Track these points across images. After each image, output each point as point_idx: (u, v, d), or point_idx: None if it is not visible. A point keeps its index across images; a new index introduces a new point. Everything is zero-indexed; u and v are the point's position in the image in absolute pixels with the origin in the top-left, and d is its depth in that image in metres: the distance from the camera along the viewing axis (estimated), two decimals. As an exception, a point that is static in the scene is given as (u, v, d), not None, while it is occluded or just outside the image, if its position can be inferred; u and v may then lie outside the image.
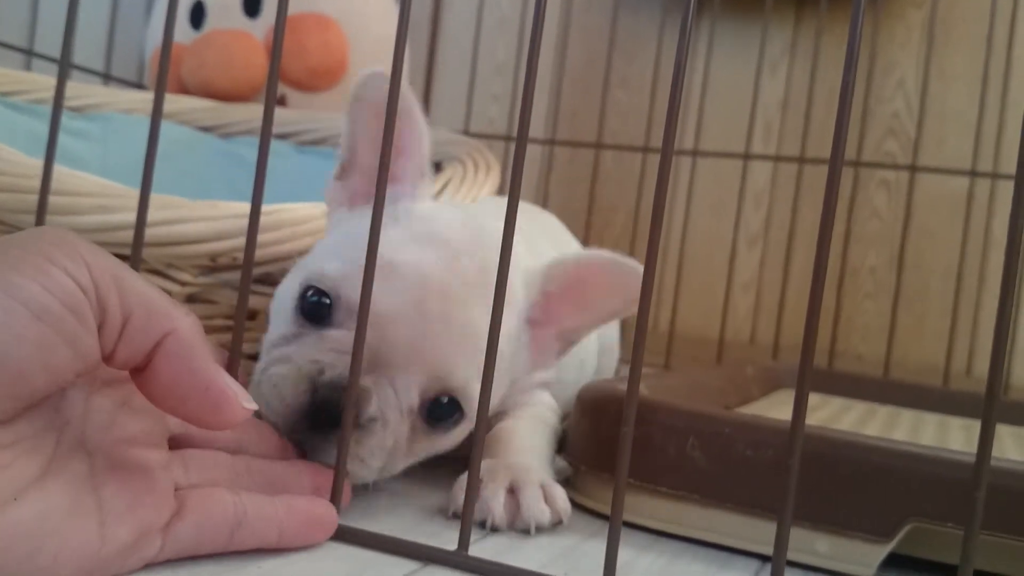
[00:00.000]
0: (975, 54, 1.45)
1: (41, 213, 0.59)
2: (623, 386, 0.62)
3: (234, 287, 0.72)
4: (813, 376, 1.10)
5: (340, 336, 0.50)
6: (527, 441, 0.59)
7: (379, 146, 0.47)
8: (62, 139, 1.09)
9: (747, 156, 1.35)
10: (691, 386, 0.75)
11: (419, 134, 0.57)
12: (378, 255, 0.48)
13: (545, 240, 0.81)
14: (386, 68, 1.21)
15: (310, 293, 0.52)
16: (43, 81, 1.10)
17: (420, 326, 0.49)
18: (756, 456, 0.51)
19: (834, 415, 0.89)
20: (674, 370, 0.85)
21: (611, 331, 0.90)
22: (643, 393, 0.62)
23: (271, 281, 0.74)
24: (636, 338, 0.42)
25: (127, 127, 1.08)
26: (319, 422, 0.48)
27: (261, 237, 0.68)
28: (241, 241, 0.69)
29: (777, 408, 0.87)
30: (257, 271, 0.71)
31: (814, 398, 1.01)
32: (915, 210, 1.34)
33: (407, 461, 0.53)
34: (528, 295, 0.57)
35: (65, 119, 1.08)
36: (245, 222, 0.69)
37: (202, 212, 0.67)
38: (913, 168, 1.30)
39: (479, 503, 0.51)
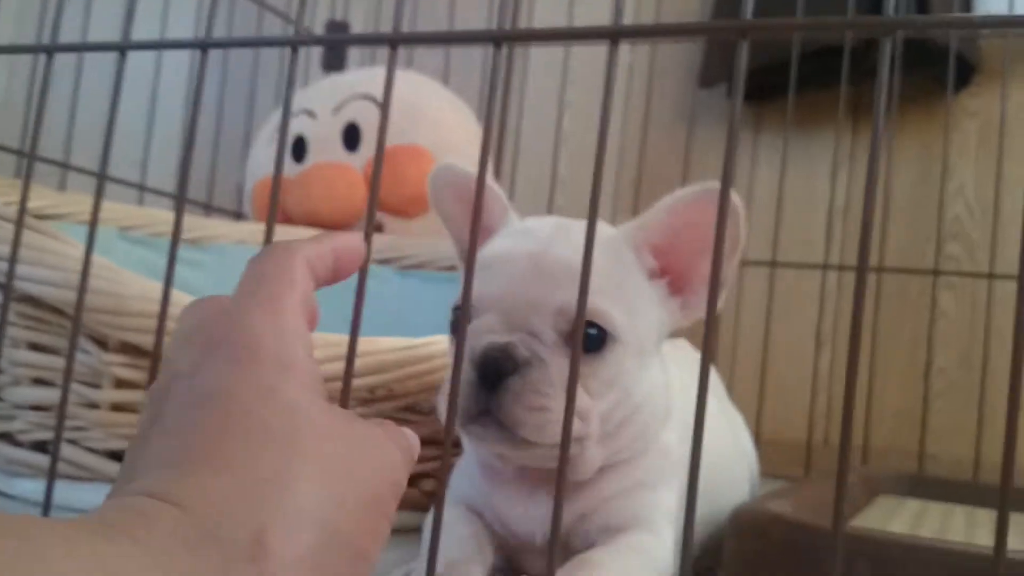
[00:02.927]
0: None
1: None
2: (776, 505, 0.66)
3: (389, 416, 0.76)
4: (906, 482, 1.11)
5: (478, 322, 0.58)
6: None
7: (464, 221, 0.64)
8: (179, 269, 1.15)
9: (825, 267, 1.40)
10: (818, 501, 0.77)
11: (496, 196, 0.65)
12: (490, 255, 0.61)
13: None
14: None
15: (452, 317, 0.62)
16: (157, 215, 1.17)
17: (529, 275, 0.58)
18: (926, 576, 0.54)
19: (943, 523, 0.91)
20: (793, 484, 0.87)
21: (745, 438, 0.91)
22: (793, 514, 0.65)
23: (418, 410, 0.79)
24: (840, 466, 0.45)
25: (239, 258, 1.14)
26: (488, 377, 0.55)
27: (414, 368, 0.72)
28: (396, 374, 0.73)
29: (891, 517, 0.89)
30: (410, 400, 0.75)
31: (913, 504, 1.03)
32: (992, 312, 1.37)
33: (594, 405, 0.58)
34: (628, 245, 0.61)
35: (180, 250, 1.14)
36: (400, 356, 0.74)
37: (362, 348, 0.72)
38: (991, 276, 1.35)
39: None
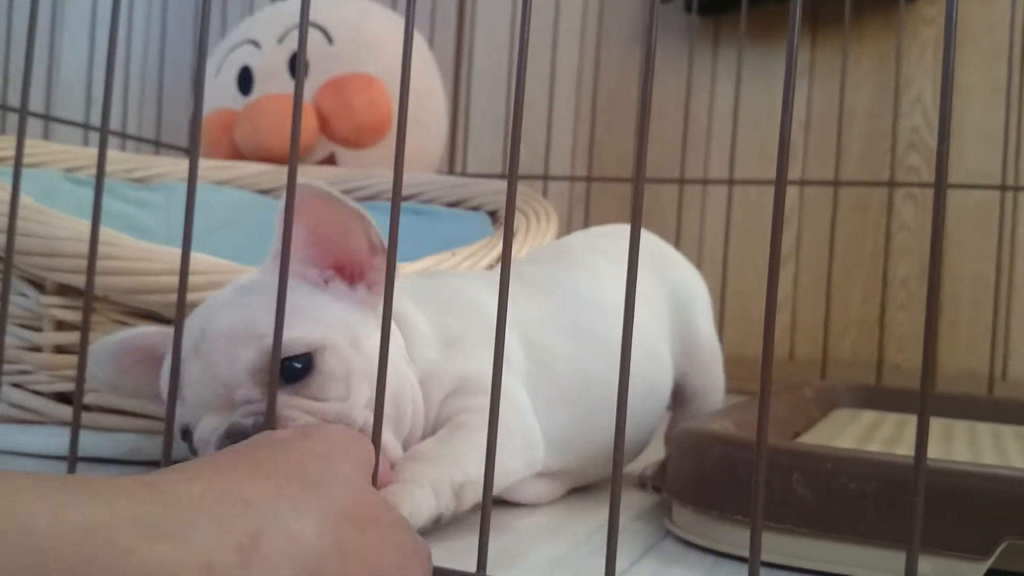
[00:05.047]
0: (988, 67, 1.49)
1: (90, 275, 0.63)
2: (718, 424, 0.66)
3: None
4: (863, 394, 1.12)
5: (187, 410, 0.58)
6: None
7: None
8: (128, 209, 1.13)
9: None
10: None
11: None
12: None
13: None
14: (426, 116, 1.25)
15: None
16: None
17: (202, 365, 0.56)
18: (859, 488, 0.55)
19: (895, 433, 0.92)
20: (747, 401, 0.88)
21: (705, 329, 0.92)
22: (735, 431, 0.65)
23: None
24: (762, 389, 0.45)
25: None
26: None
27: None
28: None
29: (842, 430, 0.90)
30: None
31: (869, 416, 1.04)
32: (950, 222, 1.38)
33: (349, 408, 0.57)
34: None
35: (129, 190, 1.12)
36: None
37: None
38: (947, 187, 1.35)
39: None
